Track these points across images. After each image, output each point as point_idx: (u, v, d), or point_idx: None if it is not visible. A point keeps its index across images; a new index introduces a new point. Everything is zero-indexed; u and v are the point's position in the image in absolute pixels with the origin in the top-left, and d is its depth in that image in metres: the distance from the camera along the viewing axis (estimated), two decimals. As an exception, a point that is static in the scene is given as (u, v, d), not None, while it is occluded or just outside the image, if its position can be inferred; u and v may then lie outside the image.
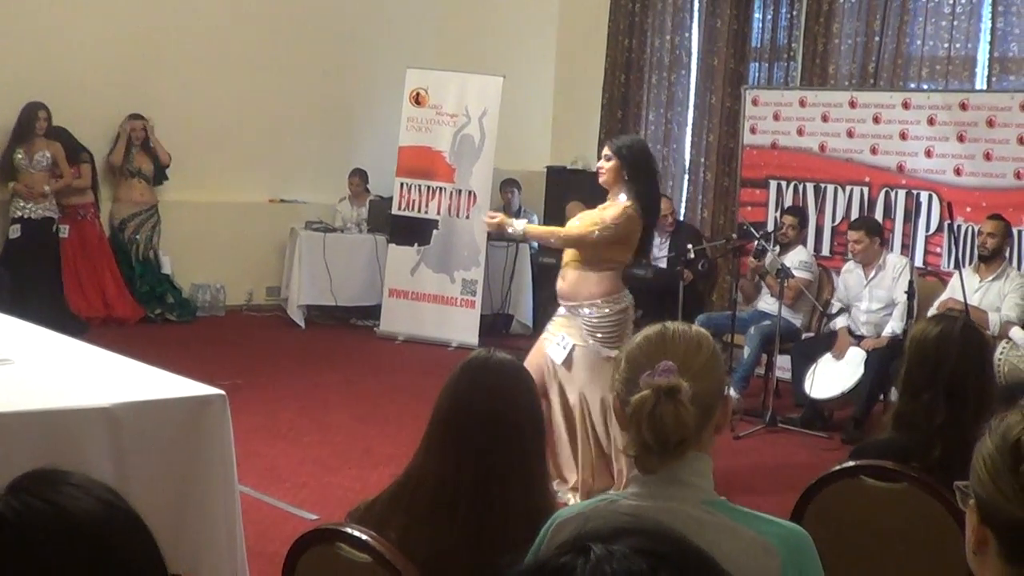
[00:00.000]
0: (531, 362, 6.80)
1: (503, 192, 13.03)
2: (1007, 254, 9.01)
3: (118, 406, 4.51)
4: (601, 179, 7.01)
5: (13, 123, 11.28)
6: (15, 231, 11.17)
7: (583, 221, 7.02)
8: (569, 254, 7.03)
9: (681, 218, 11.98)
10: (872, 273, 9.30)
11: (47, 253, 11.36)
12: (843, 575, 3.36)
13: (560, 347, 6.94)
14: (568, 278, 6.97)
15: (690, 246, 10.41)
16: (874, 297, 9.27)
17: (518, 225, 7.41)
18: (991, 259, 8.88)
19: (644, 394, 2.53)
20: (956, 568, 2.57)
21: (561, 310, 7.04)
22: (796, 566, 2.54)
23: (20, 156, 11.17)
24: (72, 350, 5.69)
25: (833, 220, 10.55)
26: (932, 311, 8.55)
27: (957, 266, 8.78)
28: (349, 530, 3.00)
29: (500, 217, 7.35)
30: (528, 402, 3.16)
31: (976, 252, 9.10)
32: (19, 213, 11.17)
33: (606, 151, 7.04)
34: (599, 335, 6.84)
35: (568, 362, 6.91)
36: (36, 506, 1.75)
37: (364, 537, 2.94)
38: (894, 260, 9.34)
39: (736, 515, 2.58)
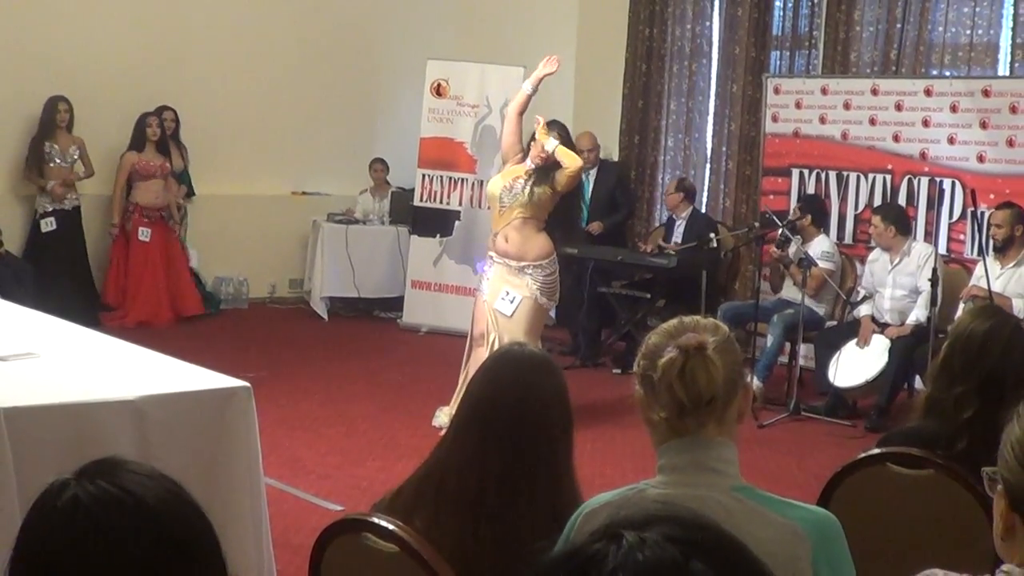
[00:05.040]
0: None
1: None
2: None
3: (143, 399, 4.53)
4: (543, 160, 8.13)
5: (35, 117, 11.32)
6: (49, 224, 11.22)
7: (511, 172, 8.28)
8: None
9: (703, 208, 11.97)
10: (896, 259, 9.27)
11: (78, 242, 11.50)
12: (870, 562, 3.35)
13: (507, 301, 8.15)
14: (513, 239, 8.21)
15: (712, 235, 10.43)
16: (897, 284, 9.24)
17: (549, 145, 8.12)
18: (1006, 249, 8.84)
19: (672, 355, 2.59)
20: (983, 554, 2.56)
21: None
22: (826, 551, 2.56)
23: (54, 150, 11.21)
24: (97, 343, 5.71)
25: (856, 208, 10.52)
26: (964, 303, 8.56)
27: (981, 253, 8.74)
28: (376, 520, 3.01)
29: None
30: (557, 395, 3.15)
31: (995, 241, 9.08)
32: (51, 207, 11.22)
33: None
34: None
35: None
36: (111, 492, 1.78)
37: (391, 527, 2.95)
38: (920, 248, 9.29)
39: (765, 501, 2.60)
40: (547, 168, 8.17)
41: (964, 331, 4.01)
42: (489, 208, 8.78)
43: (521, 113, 8.44)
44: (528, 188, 8.14)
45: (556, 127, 8.31)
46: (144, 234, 11.59)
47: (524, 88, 8.48)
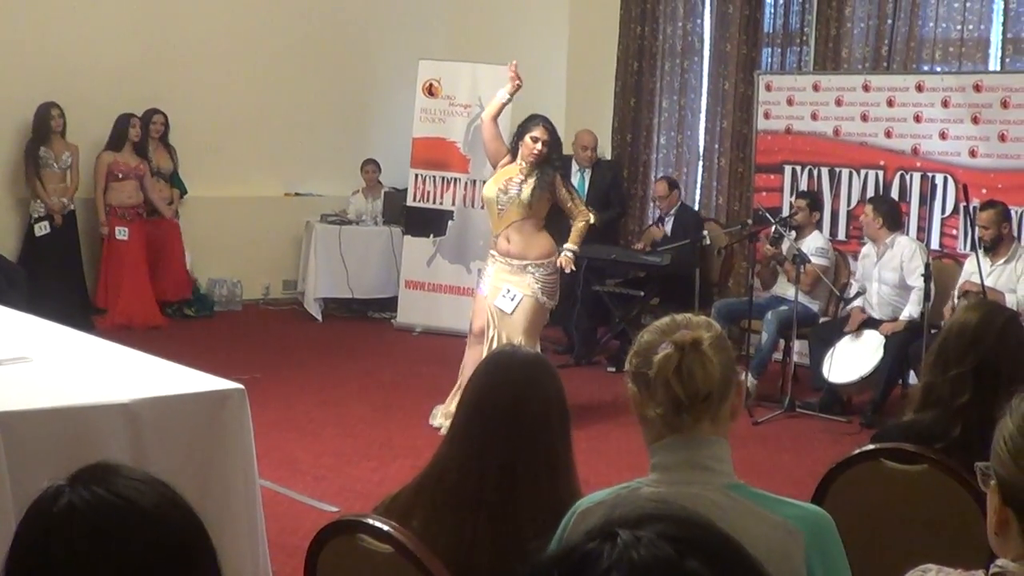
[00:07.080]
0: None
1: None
2: (1017, 234, 8.99)
3: (137, 402, 4.52)
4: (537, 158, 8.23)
5: (27, 120, 11.30)
6: (43, 228, 11.20)
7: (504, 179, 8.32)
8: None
9: (696, 206, 11.98)
10: (880, 252, 9.30)
11: (72, 246, 11.49)
12: (865, 558, 3.35)
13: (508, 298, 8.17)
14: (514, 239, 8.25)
15: (705, 232, 10.44)
16: (882, 279, 9.26)
17: (569, 249, 8.33)
18: (995, 247, 8.84)
19: (668, 352, 2.57)
20: (978, 549, 2.56)
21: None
22: (819, 548, 2.56)
23: (49, 155, 11.20)
24: (90, 347, 5.70)
25: (848, 204, 10.52)
26: (955, 295, 8.59)
27: (973, 248, 8.74)
28: (370, 521, 3.00)
29: (565, 260, 8.30)
30: (554, 396, 3.15)
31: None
32: (45, 211, 11.19)
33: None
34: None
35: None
36: (106, 498, 1.79)
37: (386, 528, 2.94)
38: (903, 242, 9.29)
39: (758, 499, 2.59)
40: (541, 169, 8.22)
41: (959, 320, 4.07)
42: (484, 208, 8.78)
43: (496, 118, 8.53)
44: (523, 191, 8.17)
45: (540, 120, 8.36)
46: (121, 233, 11.57)
47: (500, 96, 8.59)
